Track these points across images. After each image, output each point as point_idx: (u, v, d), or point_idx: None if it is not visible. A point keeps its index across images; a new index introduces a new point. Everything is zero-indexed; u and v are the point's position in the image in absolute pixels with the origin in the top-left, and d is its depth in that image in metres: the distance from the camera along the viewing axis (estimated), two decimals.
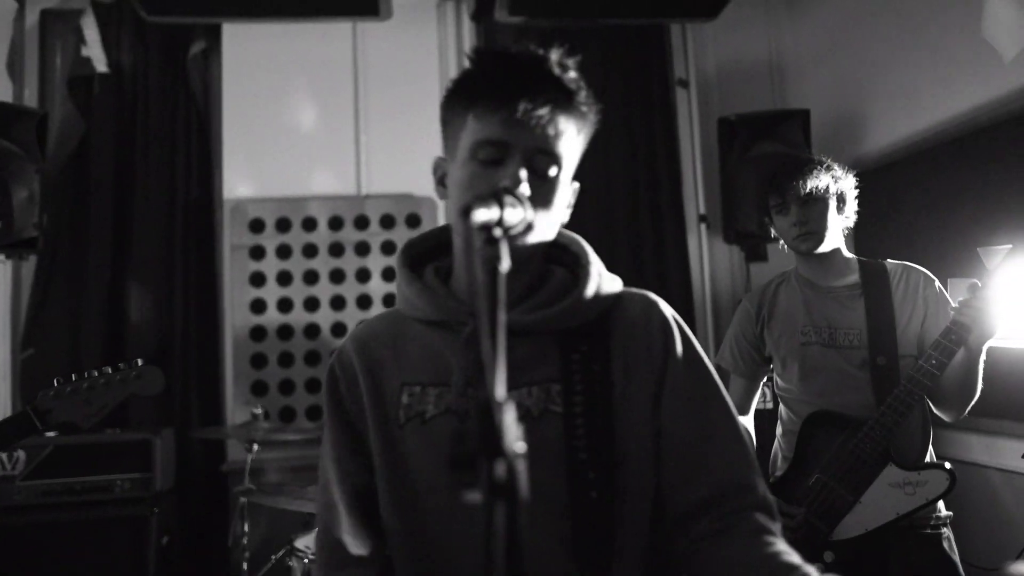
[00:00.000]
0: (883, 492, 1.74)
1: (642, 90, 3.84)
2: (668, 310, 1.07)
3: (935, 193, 2.84)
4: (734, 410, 1.04)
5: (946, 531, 1.81)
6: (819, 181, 1.85)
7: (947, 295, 1.85)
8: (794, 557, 0.90)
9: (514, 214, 0.79)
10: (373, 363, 1.07)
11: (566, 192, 1.02)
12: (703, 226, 3.82)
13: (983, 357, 1.70)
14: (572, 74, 0.97)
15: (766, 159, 3.28)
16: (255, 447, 2.72)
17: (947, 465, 1.77)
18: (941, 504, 1.81)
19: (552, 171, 0.97)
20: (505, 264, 0.69)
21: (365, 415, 1.06)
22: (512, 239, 0.83)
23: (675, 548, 0.99)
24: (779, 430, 2.04)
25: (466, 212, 0.70)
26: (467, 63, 1.01)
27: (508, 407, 0.59)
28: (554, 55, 0.96)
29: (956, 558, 1.78)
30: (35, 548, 2.80)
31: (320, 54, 3.71)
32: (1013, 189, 2.45)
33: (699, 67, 3.89)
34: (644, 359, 1.02)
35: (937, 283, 1.89)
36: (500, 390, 0.60)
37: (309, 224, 3.58)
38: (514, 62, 0.96)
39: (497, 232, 0.72)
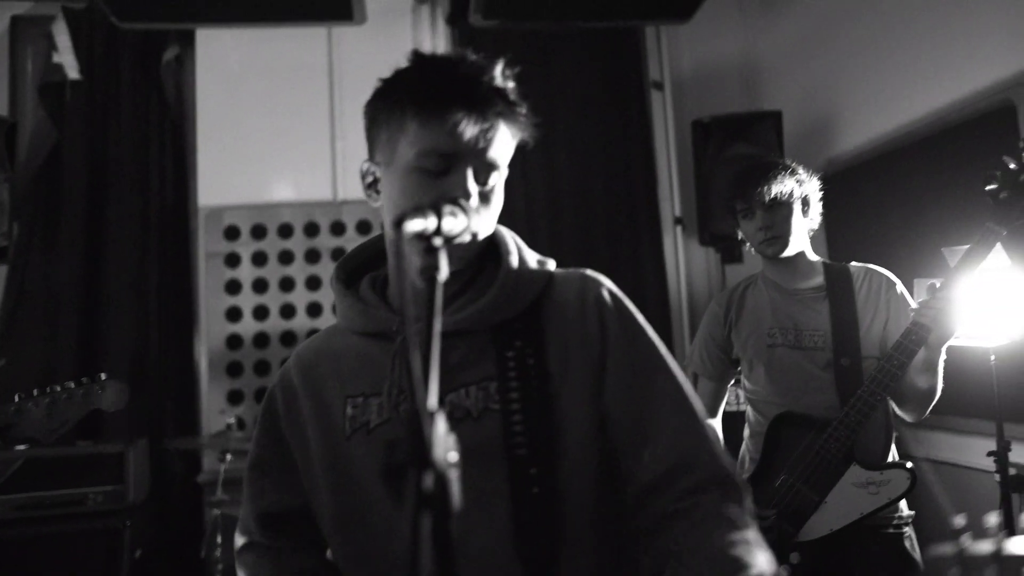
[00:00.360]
0: (847, 492, 1.75)
1: (617, 92, 3.85)
2: (604, 286, 1.05)
3: (903, 194, 2.88)
4: (682, 381, 1.02)
5: (908, 530, 1.83)
6: (783, 186, 1.86)
7: (908, 297, 1.87)
8: (739, 549, 0.89)
9: (455, 223, 0.78)
10: (315, 380, 1.07)
11: (500, 199, 1.02)
12: (679, 228, 3.84)
13: (943, 357, 1.72)
14: (513, 85, 0.98)
15: (740, 161, 3.30)
16: (228, 457, 2.70)
17: (908, 464, 1.78)
18: (903, 504, 1.83)
19: (494, 179, 0.98)
20: (444, 274, 0.69)
21: (305, 434, 1.06)
22: (453, 247, 0.83)
23: (639, 525, 0.99)
24: (746, 432, 2.05)
25: (399, 223, 0.70)
26: (412, 65, 0.98)
27: (438, 417, 0.59)
28: (498, 65, 0.96)
29: (917, 556, 1.80)
30: (6, 563, 2.77)
31: (295, 59, 3.70)
32: (977, 190, 2.48)
33: (673, 69, 3.91)
34: (580, 344, 1.00)
35: (899, 286, 1.91)
36: (430, 401, 0.60)
37: (285, 231, 3.56)
38: (460, 71, 0.95)
39: (437, 242, 0.72)
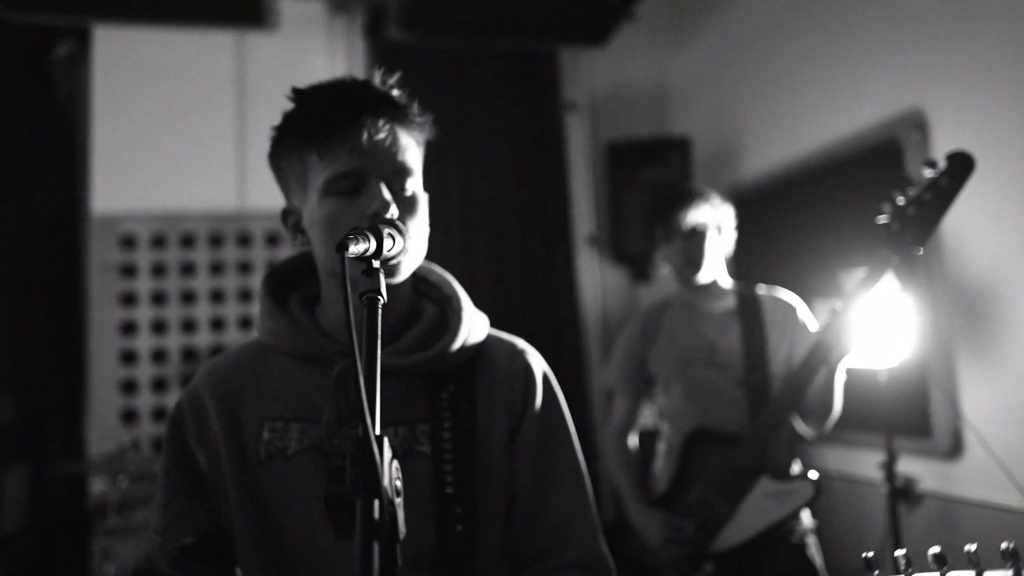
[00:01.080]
0: (757, 503, 1.83)
1: (533, 112, 3.90)
2: (536, 361, 1.08)
3: (802, 220, 3.05)
4: (582, 466, 1.06)
5: (812, 539, 1.92)
6: (701, 214, 1.96)
7: (810, 320, 1.99)
8: None
9: (392, 244, 0.77)
10: (229, 399, 1.02)
11: (425, 205, 1.01)
12: (592, 248, 3.91)
13: (841, 374, 1.82)
14: (397, 90, 1.00)
15: (652, 184, 3.42)
16: (122, 480, 2.53)
17: (814, 475, 1.88)
18: (807, 515, 1.93)
19: (409, 186, 0.98)
20: (384, 298, 0.68)
21: (216, 456, 1.00)
22: (389, 269, 0.81)
23: None
24: (662, 447, 2.11)
25: (342, 247, 0.68)
26: (288, 105, 1.00)
27: (385, 445, 0.57)
28: (376, 74, 0.99)
29: (820, 563, 1.90)
30: None
31: (202, 63, 3.55)
32: (869, 220, 2.66)
33: (589, 91, 4.00)
34: (504, 402, 1.03)
35: (800, 311, 2.03)
36: (377, 428, 0.58)
37: (187, 241, 3.40)
38: (341, 91, 0.97)
39: (375, 263, 0.71)
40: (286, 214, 1.04)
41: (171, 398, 3.27)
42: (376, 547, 0.51)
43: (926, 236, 1.63)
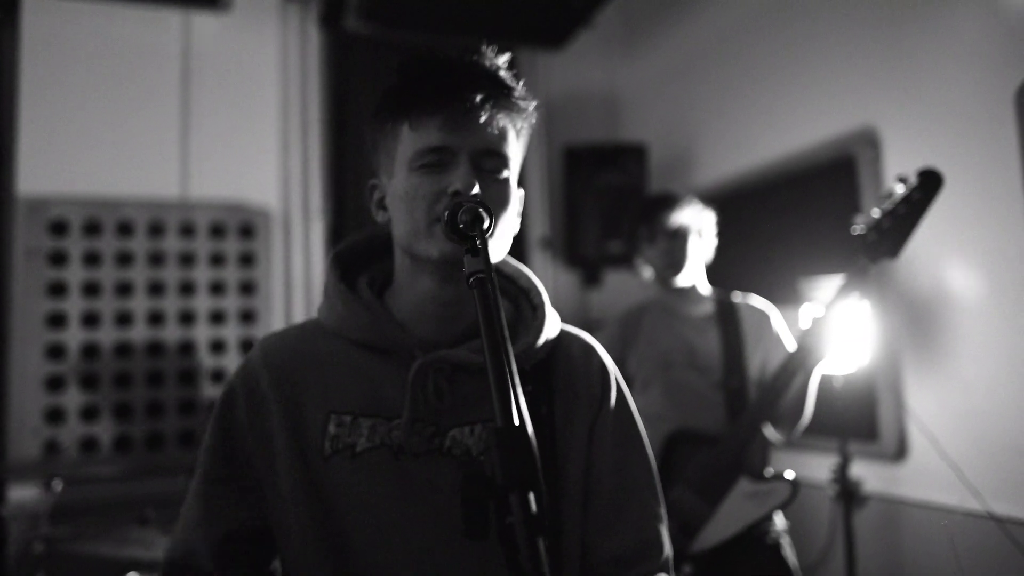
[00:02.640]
0: (736, 503, 1.86)
1: None
2: (606, 356, 1.06)
3: (758, 229, 3.14)
4: (653, 463, 1.05)
5: (785, 540, 1.98)
6: (684, 216, 2.00)
7: (783, 328, 2.06)
8: None
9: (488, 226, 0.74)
10: (291, 385, 0.94)
11: (516, 198, 0.97)
12: (545, 250, 3.92)
13: (816, 380, 1.89)
14: (506, 71, 0.95)
15: (608, 189, 3.46)
16: (56, 484, 2.34)
17: (791, 476, 1.93)
18: (780, 517, 1.98)
19: (502, 172, 0.92)
20: (494, 280, 0.65)
21: (272, 448, 0.93)
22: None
23: None
24: None
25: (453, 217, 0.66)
26: (395, 74, 0.95)
27: (531, 436, 0.54)
28: (486, 54, 0.94)
29: (793, 563, 1.95)
30: None
31: (145, 42, 3.35)
32: (825, 228, 2.78)
33: (547, 94, 4.02)
34: (584, 401, 1.00)
35: (774, 318, 2.10)
36: (519, 420, 0.55)
37: (125, 229, 3.19)
38: (446, 64, 0.92)
39: (481, 242, 0.67)
40: (372, 188, 0.99)
41: (102, 396, 3.06)
42: (542, 544, 0.48)
43: (900, 247, 1.71)
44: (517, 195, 0.97)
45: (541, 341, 0.98)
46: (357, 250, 1.05)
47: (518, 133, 0.95)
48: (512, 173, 0.95)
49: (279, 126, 3.51)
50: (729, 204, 3.31)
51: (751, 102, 3.26)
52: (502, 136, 0.92)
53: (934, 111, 2.41)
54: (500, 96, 0.91)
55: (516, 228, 0.98)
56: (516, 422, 0.54)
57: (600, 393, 1.01)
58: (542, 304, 1.01)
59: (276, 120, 3.51)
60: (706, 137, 3.54)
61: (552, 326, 1.01)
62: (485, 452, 0.90)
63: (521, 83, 0.95)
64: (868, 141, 2.63)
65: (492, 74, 0.92)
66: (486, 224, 0.74)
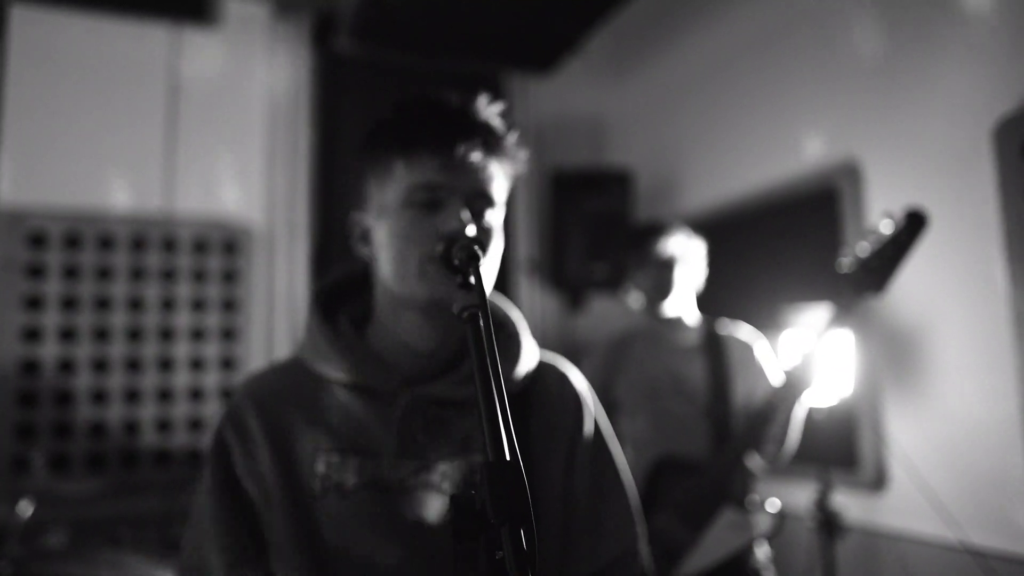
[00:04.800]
0: (719, 532, 1.86)
1: None
2: (581, 383, 1.08)
3: (741, 257, 3.17)
4: (631, 486, 1.06)
5: (769, 571, 1.97)
6: (675, 244, 2.02)
7: (767, 358, 2.07)
8: None
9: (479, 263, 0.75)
10: (279, 426, 0.94)
11: (501, 240, 0.98)
12: (530, 273, 3.93)
13: (802, 411, 1.90)
14: (499, 120, 0.98)
15: (594, 213, 3.48)
16: (28, 504, 2.28)
17: (774, 507, 1.93)
18: (763, 547, 1.98)
19: (489, 215, 0.95)
20: (485, 315, 0.65)
21: (267, 488, 0.92)
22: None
23: None
24: None
25: (472, 257, 0.70)
26: (391, 111, 0.98)
27: (520, 469, 0.54)
28: (482, 101, 0.97)
29: None
30: None
31: (133, 56, 3.34)
32: (805, 258, 2.81)
33: (534, 118, 4.04)
34: (560, 432, 1.01)
35: (757, 347, 2.12)
36: (508, 454, 0.55)
37: (106, 242, 3.16)
38: (444, 107, 0.95)
39: (473, 277, 0.68)
40: (355, 222, 1.00)
41: (76, 412, 3.01)
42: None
43: (886, 284, 1.74)
44: (501, 238, 0.99)
45: (520, 373, 0.99)
46: (337, 286, 1.06)
47: (507, 177, 0.99)
48: (497, 217, 0.98)
49: (266, 143, 3.50)
50: (713, 231, 3.34)
51: (736, 131, 3.31)
52: (492, 180, 0.95)
53: (915, 146, 2.46)
54: (494, 142, 0.95)
55: (496, 268, 0.99)
56: (507, 456, 0.54)
57: (576, 423, 1.02)
58: (517, 334, 1.03)
59: (263, 137, 3.51)
60: (691, 164, 3.58)
61: (530, 357, 1.02)
62: (476, 486, 0.90)
63: (513, 133, 0.99)
64: (850, 173, 2.67)
65: (488, 121, 0.96)
66: (480, 260, 0.75)
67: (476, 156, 0.93)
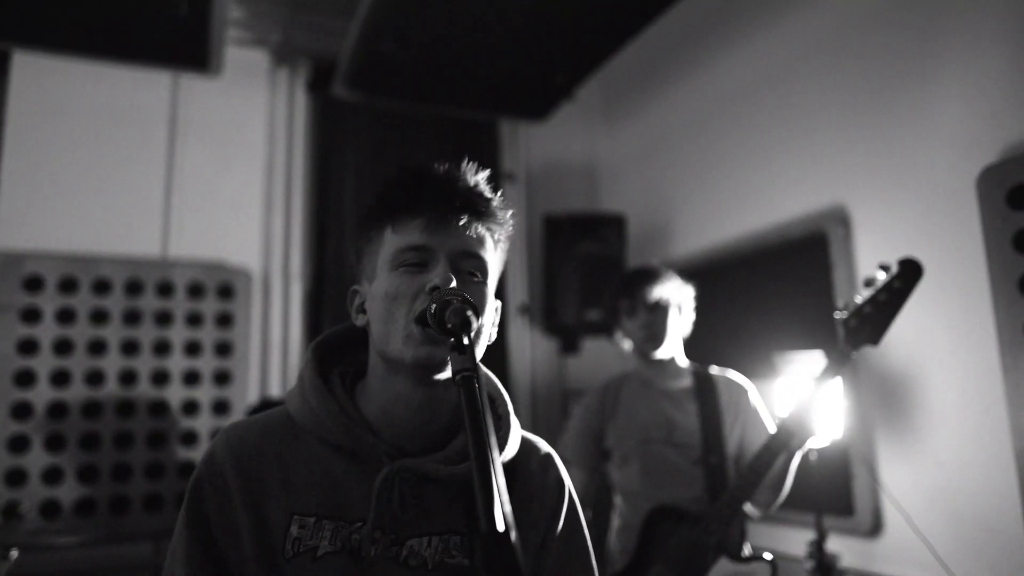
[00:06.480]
0: None
1: None
2: (561, 468, 1.08)
3: (732, 301, 3.20)
4: (595, 569, 1.06)
5: None
6: (665, 290, 2.04)
7: (760, 404, 2.08)
8: None
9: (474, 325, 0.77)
10: (255, 483, 0.94)
11: (493, 306, 1.00)
12: (523, 317, 3.95)
13: (797, 459, 1.90)
14: (484, 187, 1.01)
15: (587, 257, 3.52)
16: (13, 553, 2.24)
17: (769, 556, 1.92)
18: None
19: (480, 275, 0.97)
20: (480, 378, 0.66)
21: (239, 542, 0.92)
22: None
23: None
24: (617, 523, 2.11)
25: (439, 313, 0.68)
26: (381, 186, 1.01)
27: (516, 541, 0.54)
28: (468, 168, 1.00)
29: None
30: None
31: (134, 102, 3.39)
32: (795, 304, 2.84)
33: (527, 164, 4.11)
34: (539, 516, 1.02)
35: (750, 394, 2.12)
36: (503, 525, 0.56)
37: (101, 286, 3.16)
38: (429, 174, 0.98)
39: (467, 339, 0.69)
40: (353, 294, 1.03)
41: (66, 457, 2.98)
42: None
43: (881, 333, 1.75)
44: (494, 303, 1.00)
45: (507, 456, 0.99)
46: (334, 342, 1.07)
47: (496, 242, 1.00)
48: (490, 280, 0.99)
49: (263, 187, 3.54)
50: (704, 276, 3.37)
51: (726, 177, 3.36)
52: (480, 241, 0.97)
53: (902, 192, 2.51)
54: (479, 203, 0.97)
55: (492, 337, 1.00)
56: (501, 527, 0.55)
57: (555, 509, 1.03)
58: (507, 414, 1.03)
59: (260, 182, 3.55)
60: (683, 209, 3.63)
61: (515, 438, 1.03)
62: (470, 556, 0.90)
63: (499, 195, 1.02)
64: (839, 219, 2.71)
65: (473, 185, 0.98)
66: (474, 323, 0.76)
67: (461, 214, 0.95)
